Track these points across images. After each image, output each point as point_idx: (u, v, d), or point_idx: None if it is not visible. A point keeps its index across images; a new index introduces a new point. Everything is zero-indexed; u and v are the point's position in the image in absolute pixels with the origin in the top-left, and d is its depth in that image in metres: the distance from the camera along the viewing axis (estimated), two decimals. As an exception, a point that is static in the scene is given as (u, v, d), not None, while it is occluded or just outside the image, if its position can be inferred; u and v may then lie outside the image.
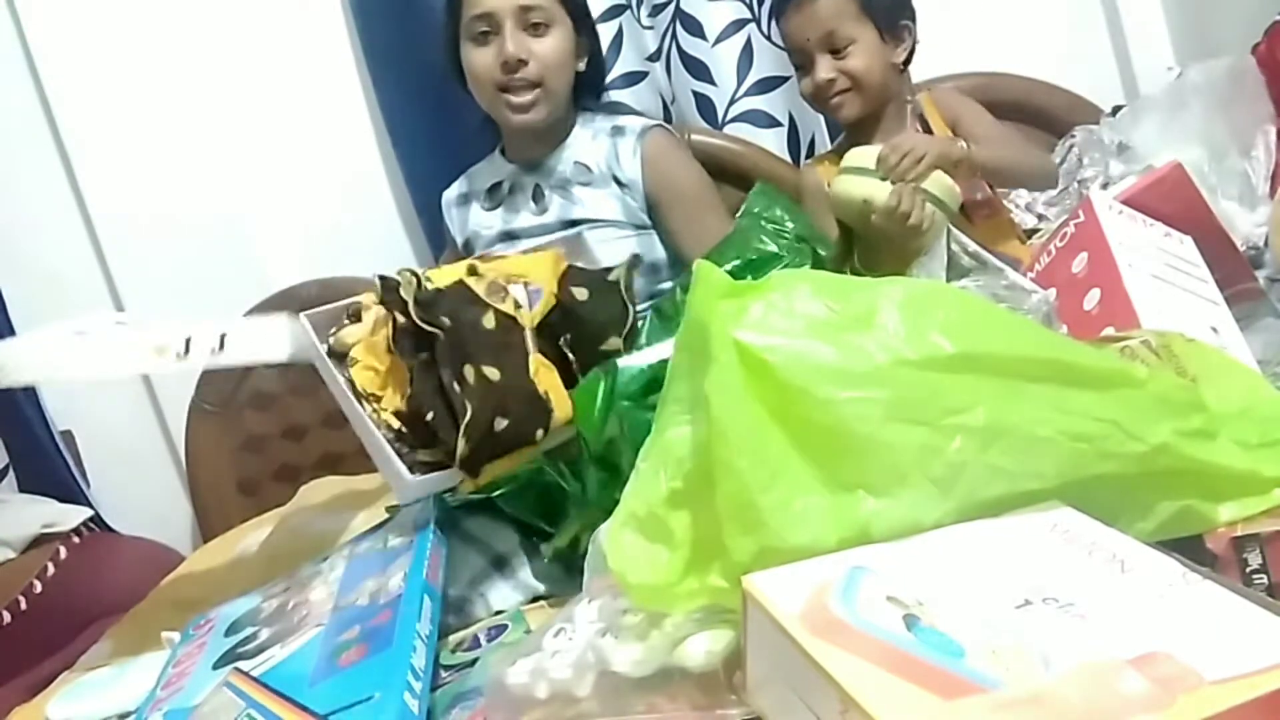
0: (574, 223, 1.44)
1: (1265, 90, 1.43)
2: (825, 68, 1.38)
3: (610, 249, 1.43)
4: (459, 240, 1.57)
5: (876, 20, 1.38)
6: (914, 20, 1.44)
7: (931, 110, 1.46)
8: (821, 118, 1.81)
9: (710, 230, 1.39)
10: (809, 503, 0.62)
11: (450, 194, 1.59)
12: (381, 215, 1.96)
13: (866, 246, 1.36)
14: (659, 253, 1.45)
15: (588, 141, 1.46)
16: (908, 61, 1.47)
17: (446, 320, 0.88)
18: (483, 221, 1.53)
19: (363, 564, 0.99)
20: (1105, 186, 1.46)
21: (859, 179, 1.30)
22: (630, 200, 1.42)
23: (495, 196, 1.51)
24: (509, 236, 1.49)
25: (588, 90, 1.48)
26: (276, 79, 1.91)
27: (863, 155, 1.31)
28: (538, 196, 1.47)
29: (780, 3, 1.44)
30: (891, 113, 1.46)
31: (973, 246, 1.09)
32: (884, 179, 1.26)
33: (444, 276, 0.94)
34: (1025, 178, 1.43)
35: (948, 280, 1.07)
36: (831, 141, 1.80)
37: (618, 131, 1.45)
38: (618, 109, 1.57)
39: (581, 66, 1.44)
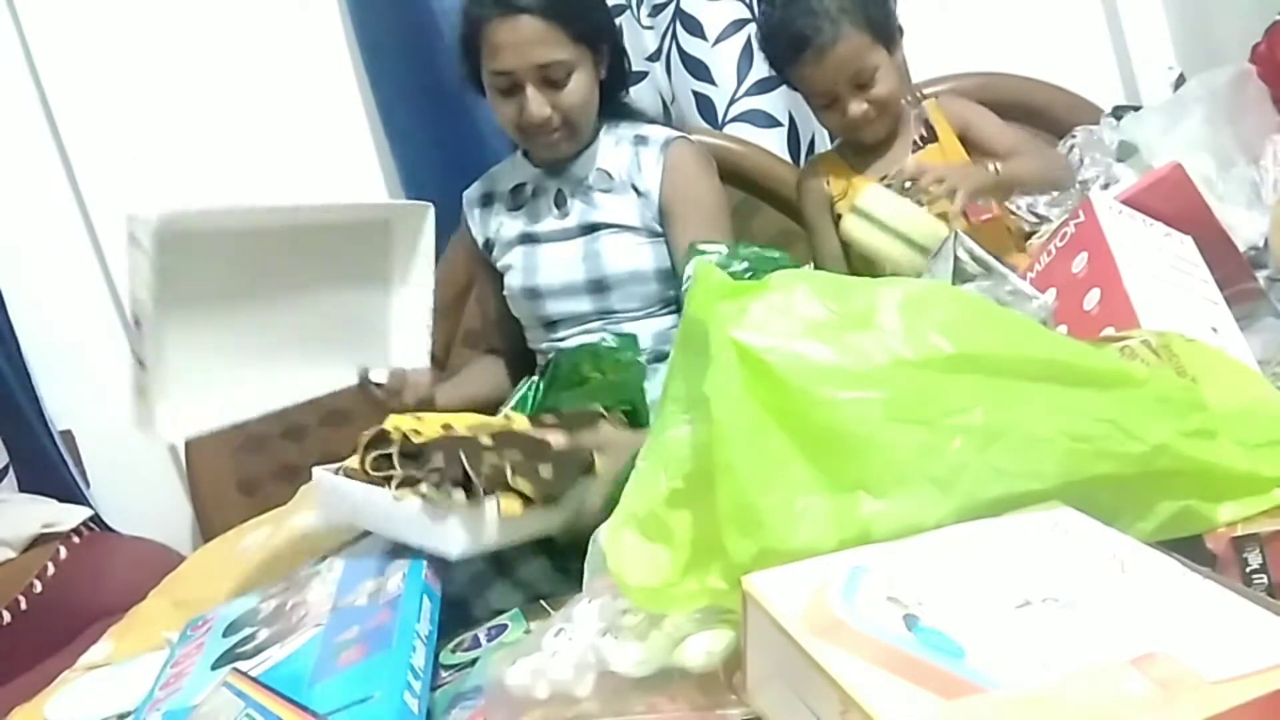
0: (593, 226, 1.44)
1: (1269, 99, 1.43)
2: (857, 105, 1.37)
3: (627, 254, 1.43)
4: (479, 240, 1.57)
5: (881, 39, 1.37)
6: (895, 13, 1.43)
7: (939, 117, 1.45)
8: (822, 118, 1.81)
9: None
10: (809, 503, 0.62)
11: (472, 193, 1.58)
12: (381, 215, 1.97)
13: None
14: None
15: (611, 148, 1.46)
16: None
17: None
18: (505, 223, 1.53)
19: (361, 564, 0.99)
20: (1106, 187, 1.46)
21: (868, 229, 1.27)
22: (645, 209, 1.43)
23: (518, 198, 1.51)
24: (529, 239, 1.49)
25: (610, 94, 1.48)
26: (275, 79, 1.91)
27: (876, 201, 1.28)
28: (560, 201, 1.47)
29: (786, 57, 1.39)
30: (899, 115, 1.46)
31: (979, 252, 1.09)
32: (894, 235, 1.25)
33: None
34: (1049, 185, 1.44)
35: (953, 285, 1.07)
36: (831, 142, 1.80)
37: (640, 141, 1.45)
38: (639, 116, 1.57)
39: (603, 76, 1.44)
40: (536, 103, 1.34)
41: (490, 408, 1.48)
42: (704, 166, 1.47)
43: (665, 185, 1.42)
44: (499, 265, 1.53)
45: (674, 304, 1.46)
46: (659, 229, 1.43)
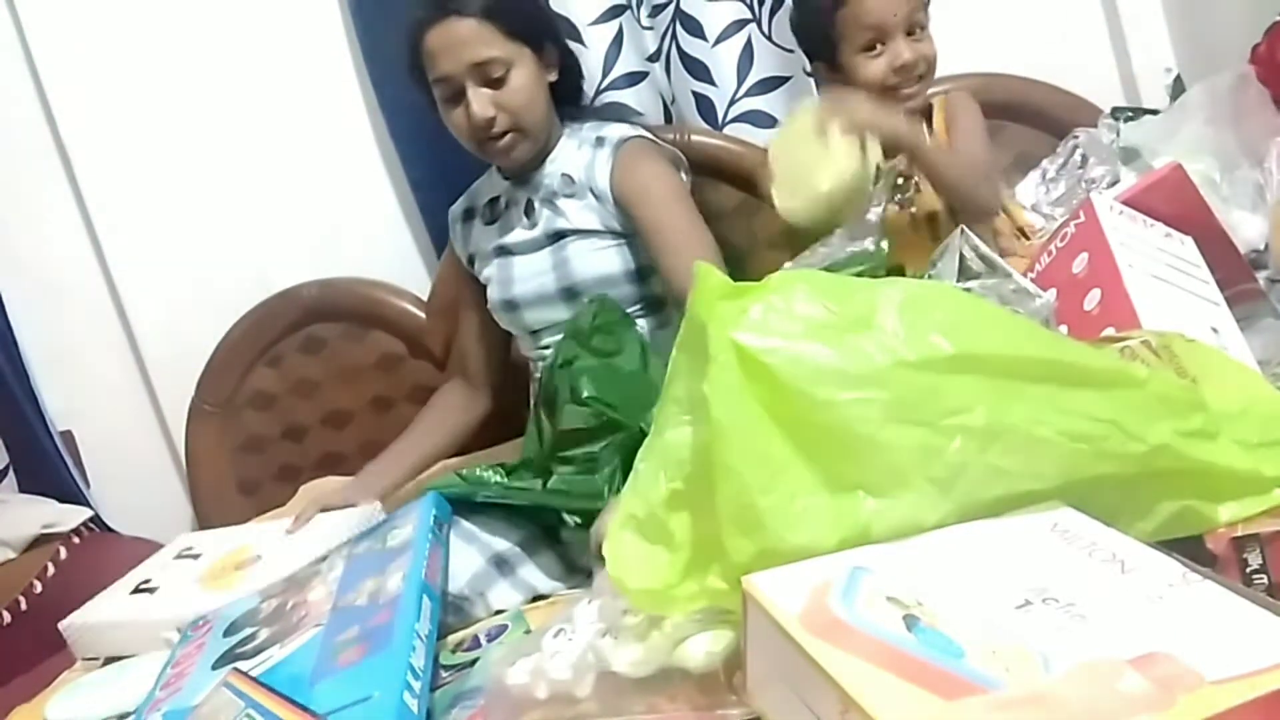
0: (559, 234, 1.43)
1: (1270, 101, 1.43)
2: (908, 49, 1.36)
3: (593, 259, 1.42)
4: (463, 256, 1.58)
5: (926, 11, 1.39)
6: None
7: (940, 113, 1.45)
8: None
9: (681, 235, 1.38)
10: (809, 504, 0.62)
11: (455, 210, 1.59)
12: (381, 216, 1.96)
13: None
14: (641, 259, 1.44)
15: (573, 152, 1.45)
16: None
17: None
18: (483, 237, 1.54)
19: (361, 564, 0.99)
20: (1112, 186, 1.46)
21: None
22: (604, 211, 1.42)
23: (494, 212, 1.52)
24: (503, 251, 1.49)
25: (566, 97, 1.47)
26: (276, 79, 1.91)
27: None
28: (529, 211, 1.47)
29: None
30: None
31: (984, 249, 1.09)
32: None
33: None
34: (962, 197, 1.36)
35: (957, 283, 1.07)
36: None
37: (599, 142, 1.44)
38: (608, 114, 1.56)
39: (553, 77, 1.43)
40: (479, 102, 1.34)
41: (449, 453, 1.55)
42: (653, 158, 1.44)
43: (616, 185, 1.41)
44: (481, 278, 1.53)
45: (650, 303, 1.45)
46: (621, 230, 1.42)
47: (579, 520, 1.09)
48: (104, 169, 1.92)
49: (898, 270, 1.24)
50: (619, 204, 1.41)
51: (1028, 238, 1.41)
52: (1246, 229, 1.26)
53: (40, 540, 1.68)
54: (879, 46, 1.37)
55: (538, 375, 1.48)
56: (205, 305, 1.91)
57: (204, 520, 1.91)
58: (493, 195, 1.52)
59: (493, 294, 1.50)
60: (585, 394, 1.18)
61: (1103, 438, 0.64)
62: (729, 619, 0.63)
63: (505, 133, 1.37)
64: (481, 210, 1.54)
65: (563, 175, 1.44)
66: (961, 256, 1.08)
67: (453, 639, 0.99)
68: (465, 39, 1.33)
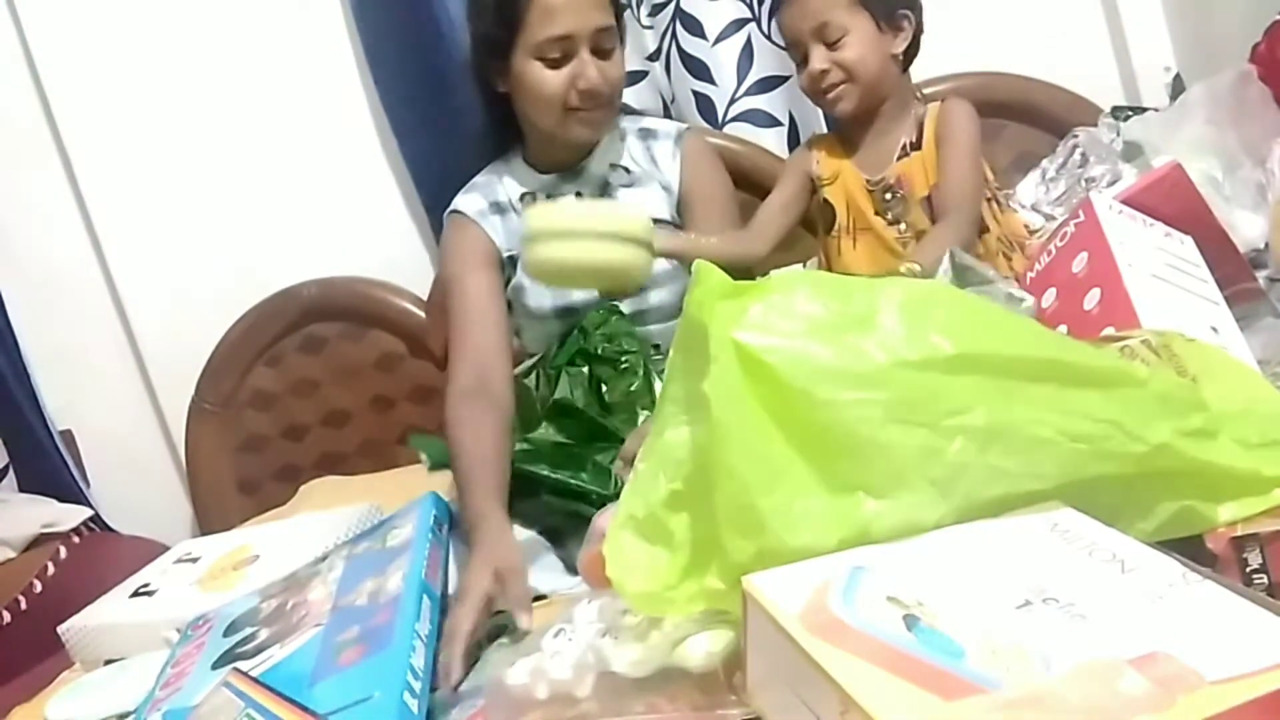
0: None
1: (1271, 100, 1.43)
2: (819, 58, 1.36)
3: None
4: (503, 252, 1.41)
5: (873, 10, 1.36)
6: (914, 9, 1.41)
7: (931, 124, 1.40)
8: (821, 116, 1.80)
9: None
10: (809, 504, 0.62)
11: (476, 204, 1.42)
12: (382, 215, 1.96)
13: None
14: None
15: (617, 143, 1.42)
16: (911, 54, 1.43)
17: None
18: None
19: (361, 564, 0.99)
20: (1112, 185, 1.46)
21: (555, 246, 1.17)
22: (669, 201, 1.40)
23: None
24: None
25: None
26: (276, 78, 1.91)
27: (547, 216, 1.21)
28: None
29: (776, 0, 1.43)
30: (891, 110, 1.42)
31: (967, 259, 1.08)
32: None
33: None
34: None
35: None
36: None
37: (648, 134, 1.43)
38: (628, 109, 1.54)
39: None
40: (595, 68, 1.31)
41: None
42: (717, 158, 1.47)
43: (686, 176, 1.40)
44: (516, 282, 1.40)
45: None
46: (680, 223, 1.41)
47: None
48: (104, 169, 1.93)
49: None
50: (682, 195, 1.40)
51: (1010, 254, 1.38)
52: (1248, 228, 1.26)
53: (40, 539, 1.69)
54: (803, 58, 1.38)
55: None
56: (205, 305, 1.91)
57: (204, 520, 1.92)
58: (525, 190, 1.42)
59: (541, 301, 1.38)
60: (577, 404, 1.18)
61: (1103, 438, 0.64)
62: (729, 619, 0.63)
63: (596, 107, 1.34)
64: (515, 206, 1.42)
65: (613, 165, 1.41)
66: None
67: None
68: (592, 2, 1.31)
